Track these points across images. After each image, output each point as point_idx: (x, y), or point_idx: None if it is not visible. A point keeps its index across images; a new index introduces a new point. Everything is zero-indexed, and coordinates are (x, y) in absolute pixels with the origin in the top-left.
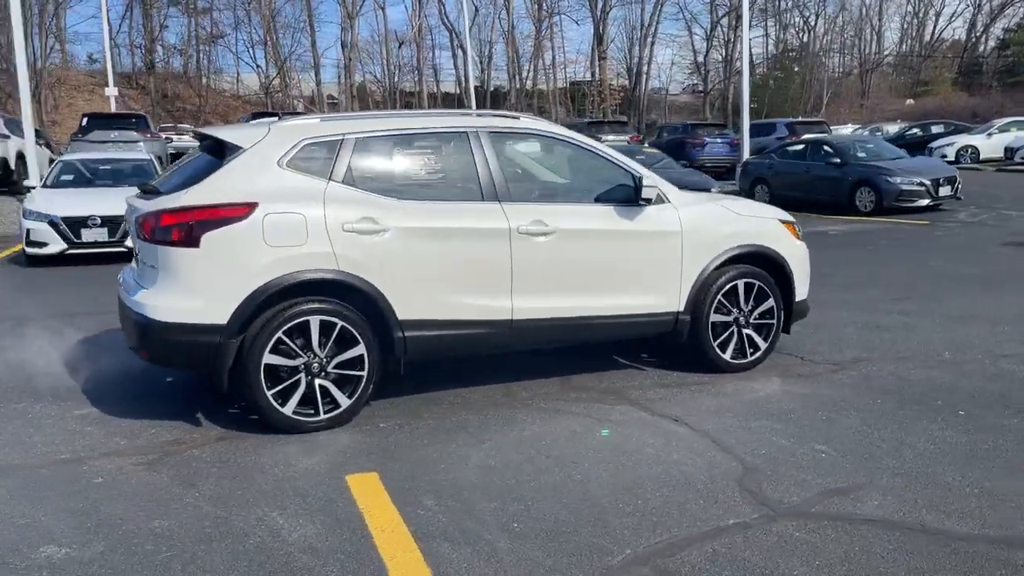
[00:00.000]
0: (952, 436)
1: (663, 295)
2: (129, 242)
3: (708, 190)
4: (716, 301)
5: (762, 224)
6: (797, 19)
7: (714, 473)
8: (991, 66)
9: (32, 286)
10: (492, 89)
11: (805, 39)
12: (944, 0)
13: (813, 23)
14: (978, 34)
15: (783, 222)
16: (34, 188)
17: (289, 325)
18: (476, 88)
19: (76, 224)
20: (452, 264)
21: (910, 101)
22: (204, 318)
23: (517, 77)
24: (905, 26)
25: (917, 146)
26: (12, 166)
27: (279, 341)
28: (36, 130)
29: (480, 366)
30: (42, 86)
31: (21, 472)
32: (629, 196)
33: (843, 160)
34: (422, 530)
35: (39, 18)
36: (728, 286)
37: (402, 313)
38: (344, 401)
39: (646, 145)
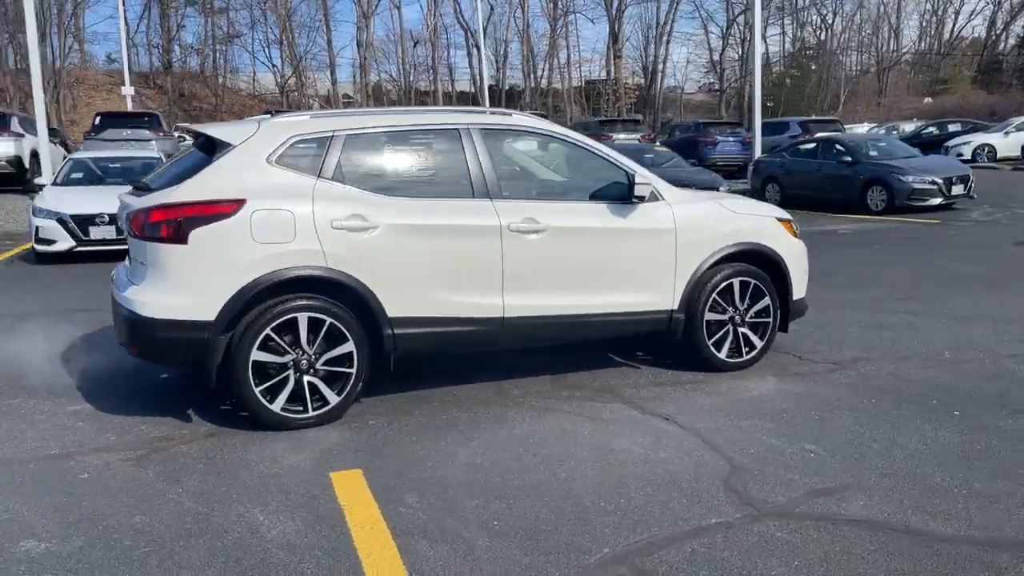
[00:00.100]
0: (945, 436)
1: (657, 293)
2: None
3: (716, 188)
4: (711, 299)
5: (758, 222)
6: (814, 17)
7: (700, 472)
8: (1011, 64)
9: (39, 283)
10: (507, 88)
11: (822, 37)
12: None
13: (831, 21)
14: (998, 32)
15: (780, 220)
16: (45, 186)
17: (277, 322)
18: (491, 87)
19: (84, 222)
20: (442, 261)
21: (928, 99)
22: (192, 314)
23: (532, 76)
24: (924, 24)
25: (933, 145)
26: (27, 164)
27: (267, 338)
28: (52, 129)
29: (472, 364)
30: (61, 85)
31: (9, 467)
32: (622, 193)
33: (855, 159)
34: (401, 527)
35: (58, 18)
36: (723, 284)
37: (392, 310)
38: (333, 398)
39: (657, 144)
